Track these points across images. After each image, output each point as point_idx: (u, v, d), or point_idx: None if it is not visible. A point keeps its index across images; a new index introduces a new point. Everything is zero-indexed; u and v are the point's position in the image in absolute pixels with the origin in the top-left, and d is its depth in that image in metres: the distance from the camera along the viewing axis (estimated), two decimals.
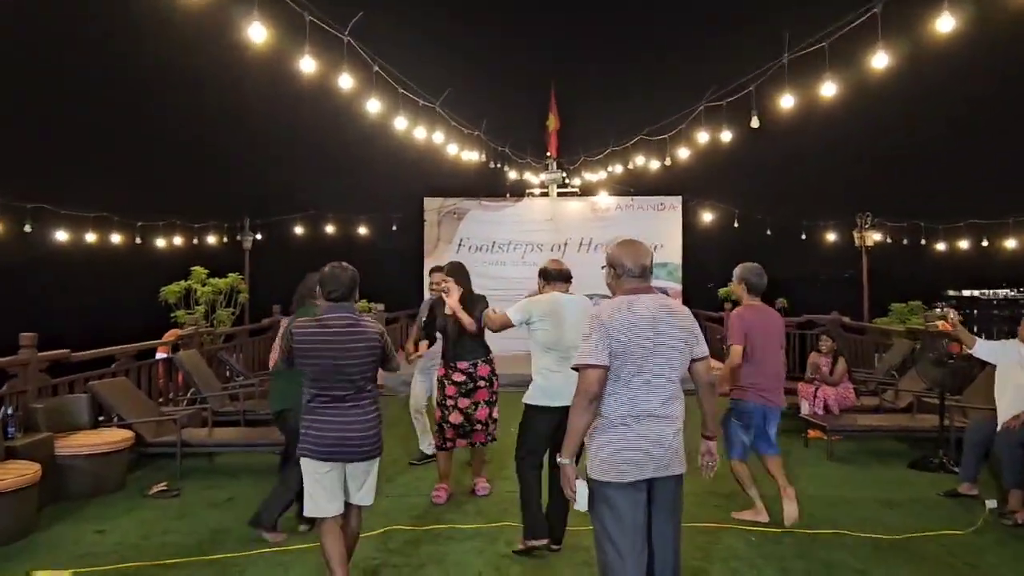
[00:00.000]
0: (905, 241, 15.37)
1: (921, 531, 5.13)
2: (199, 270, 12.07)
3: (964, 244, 15.34)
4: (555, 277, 4.96)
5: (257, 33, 7.31)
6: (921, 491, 6.12)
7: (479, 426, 5.81)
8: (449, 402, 5.79)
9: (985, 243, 15.71)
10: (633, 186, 15.03)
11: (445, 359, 5.89)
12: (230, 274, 12.55)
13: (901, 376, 9.04)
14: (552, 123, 15.73)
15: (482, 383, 5.80)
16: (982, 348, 5.97)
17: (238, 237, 15.17)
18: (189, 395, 8.74)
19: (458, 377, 5.77)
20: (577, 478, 3.11)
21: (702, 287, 15.49)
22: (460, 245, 14.82)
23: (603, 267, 3.37)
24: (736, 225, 16.19)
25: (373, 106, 9.00)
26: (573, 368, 3.12)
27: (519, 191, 15.51)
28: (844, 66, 8.02)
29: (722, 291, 14.02)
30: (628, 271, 3.23)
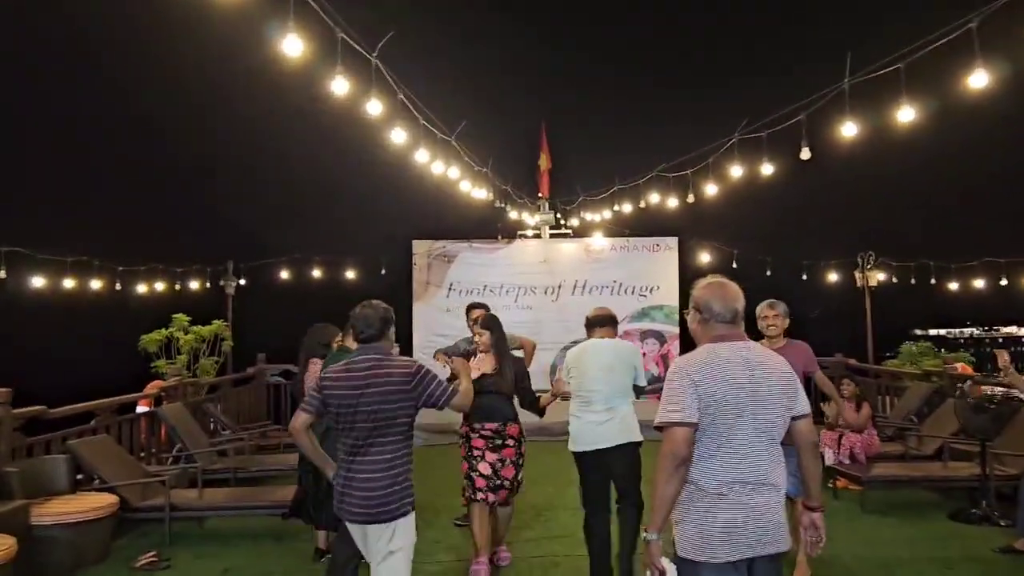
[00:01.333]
0: (913, 280, 15.25)
1: None
2: (181, 317, 11.62)
3: (953, 285, 15.38)
4: (594, 323, 5.32)
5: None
6: (974, 548, 5.76)
7: (506, 483, 5.36)
8: (476, 453, 5.36)
9: (955, 285, 15.79)
10: (629, 227, 14.78)
11: (469, 419, 5.41)
12: (214, 321, 12.09)
13: (922, 420, 8.73)
14: (544, 162, 15.49)
15: (511, 442, 5.37)
16: None
17: (221, 282, 14.68)
18: (175, 452, 8.22)
19: (485, 433, 5.33)
20: (664, 556, 2.71)
21: None
22: (451, 289, 14.47)
23: (686, 311, 3.05)
24: (735, 266, 15.98)
25: (398, 136, 8.67)
26: (656, 427, 2.77)
27: (511, 233, 15.21)
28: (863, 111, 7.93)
29: None
30: (717, 315, 2.89)
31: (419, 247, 14.73)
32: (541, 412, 5.52)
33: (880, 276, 14.04)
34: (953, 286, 15.65)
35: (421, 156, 9.83)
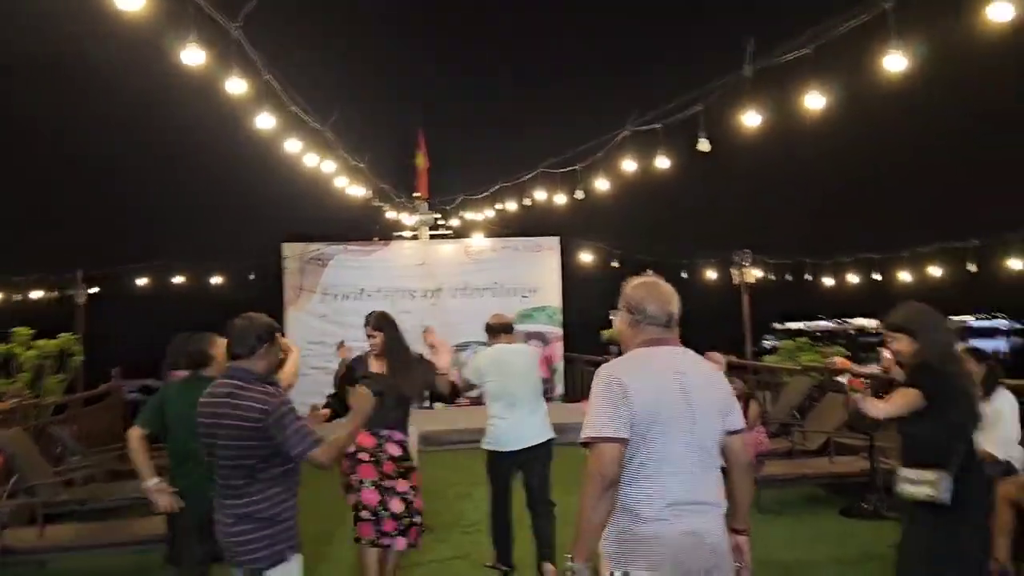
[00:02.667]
0: (789, 277, 15.74)
1: None
2: (22, 331, 10.57)
3: (829, 280, 16.00)
4: (498, 330, 5.57)
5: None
6: (870, 545, 5.82)
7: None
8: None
9: (830, 281, 16.51)
10: (512, 227, 14.63)
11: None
12: (61, 334, 11.08)
13: (804, 416, 8.89)
14: (421, 161, 15.12)
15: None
16: None
17: (69, 291, 13.54)
18: (11, 485, 7.34)
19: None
20: None
21: (583, 331, 15.17)
22: (325, 294, 13.90)
23: (613, 312, 2.85)
24: (616, 265, 16.08)
25: (265, 122, 7.93)
26: (581, 444, 2.48)
27: (388, 234, 14.76)
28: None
29: (605, 333, 13.71)
30: (651, 317, 2.64)
31: (290, 250, 14.12)
32: (453, 394, 5.48)
33: (757, 273, 14.42)
34: (828, 281, 16.25)
35: (292, 146, 9.21)
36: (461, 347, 14.00)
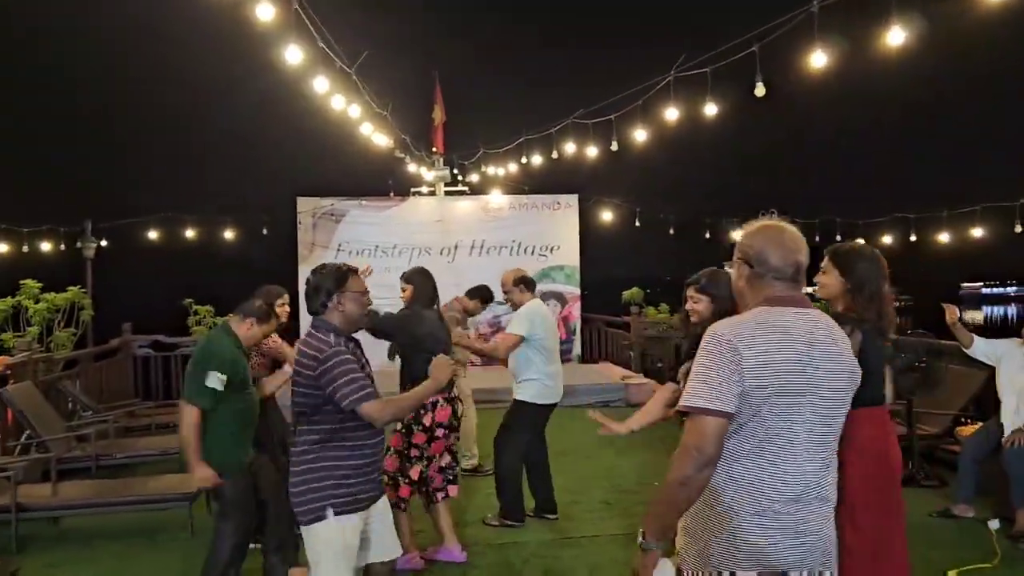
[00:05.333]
0: (817, 238, 15.50)
1: (940, 565, 4.62)
2: (31, 283, 10.49)
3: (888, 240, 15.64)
4: (535, 285, 5.97)
5: None
6: (910, 513, 5.65)
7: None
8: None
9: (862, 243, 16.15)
10: (532, 183, 14.41)
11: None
12: (70, 288, 11.01)
13: None
14: (438, 115, 14.88)
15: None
16: (980, 347, 5.64)
17: (78, 244, 13.46)
18: (23, 440, 7.34)
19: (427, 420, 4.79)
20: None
21: (601, 291, 15.05)
22: (339, 250, 13.80)
23: (728, 263, 2.50)
24: (637, 224, 15.87)
25: (293, 56, 7.46)
26: (679, 412, 2.21)
27: (404, 190, 14.59)
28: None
29: (626, 294, 13.57)
30: (775, 270, 2.25)
31: (304, 205, 13.99)
32: None
33: None
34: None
35: (320, 85, 8.69)
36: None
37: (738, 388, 2.09)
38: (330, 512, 3.06)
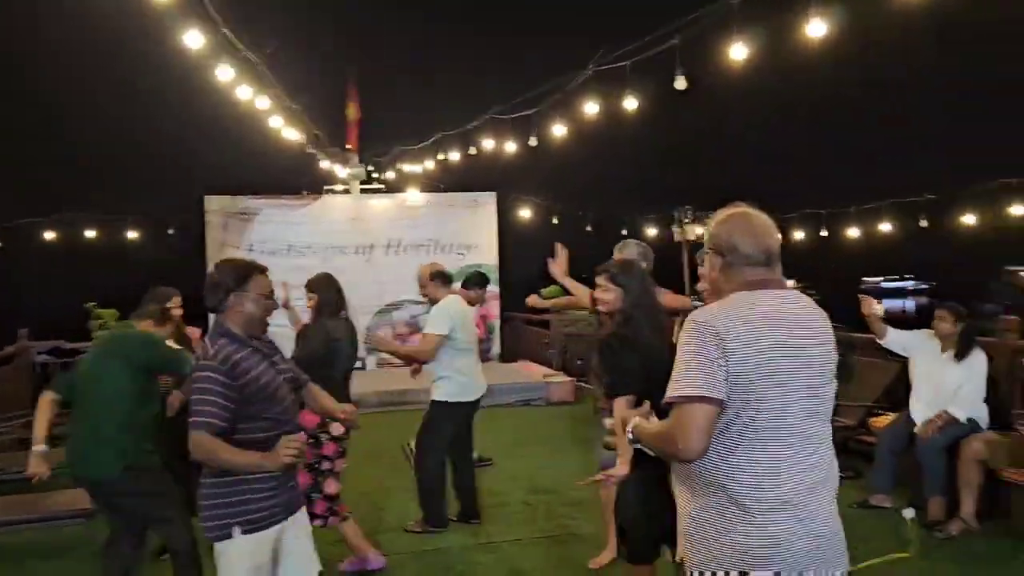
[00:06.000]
0: None
1: (860, 555, 4.73)
2: None
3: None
4: (450, 280, 5.72)
5: None
6: None
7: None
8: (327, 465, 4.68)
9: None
10: (447, 181, 14.31)
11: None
12: None
13: None
14: (352, 112, 14.66)
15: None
16: (894, 338, 5.79)
17: None
18: None
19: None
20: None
21: (520, 289, 15.06)
22: (251, 250, 13.45)
23: (700, 255, 2.42)
24: (555, 221, 15.96)
25: (194, 40, 7.15)
26: (665, 404, 2.14)
27: (317, 188, 14.32)
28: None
29: (544, 292, 13.59)
30: (747, 257, 2.21)
31: (213, 203, 13.61)
32: None
33: (699, 231, 14.41)
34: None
35: (224, 74, 8.29)
36: (393, 306, 13.80)
37: (723, 372, 2.03)
38: (236, 530, 2.91)
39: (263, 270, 3.11)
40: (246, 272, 3.03)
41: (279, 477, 3.00)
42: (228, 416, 2.84)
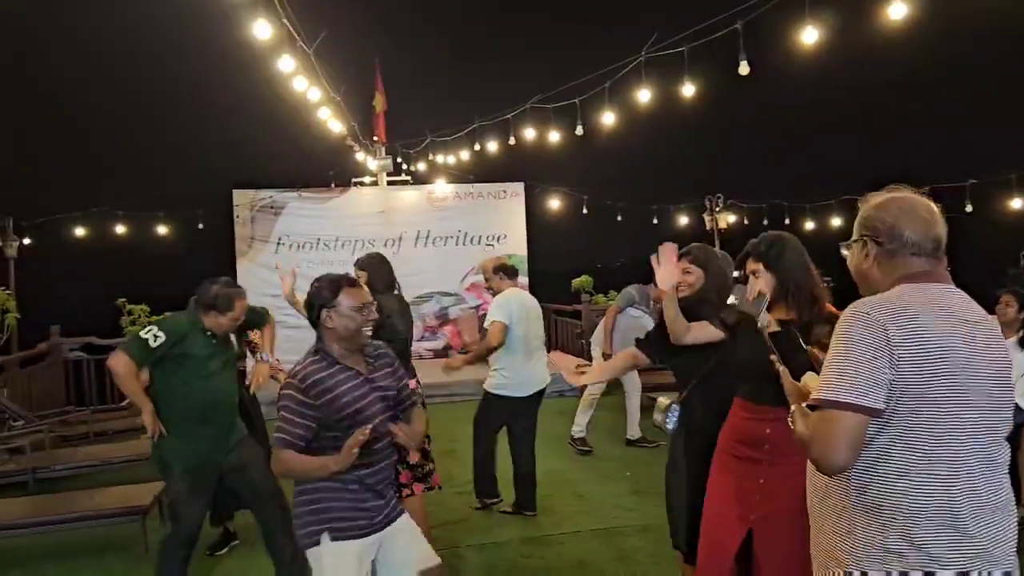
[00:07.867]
0: (765, 221, 15.64)
1: None
2: None
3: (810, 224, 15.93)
4: (516, 273, 5.94)
5: None
6: None
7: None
8: None
9: (811, 225, 16.43)
10: (478, 172, 14.27)
11: None
12: None
13: None
14: (379, 104, 14.64)
15: None
16: None
17: None
18: None
19: None
20: None
21: (550, 279, 15.04)
22: (279, 243, 13.52)
23: (846, 245, 2.14)
24: (585, 211, 15.88)
25: (263, 31, 7.18)
26: (810, 407, 1.91)
27: (345, 181, 14.35)
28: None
29: (576, 281, 13.59)
30: (912, 245, 1.97)
31: (240, 197, 13.65)
32: None
33: (731, 218, 14.32)
34: (809, 226, 16.16)
35: (286, 65, 8.30)
36: (423, 299, 13.80)
37: (887, 376, 1.79)
38: (325, 537, 2.94)
39: (353, 283, 3.11)
40: (336, 287, 3.05)
41: (368, 487, 3.02)
42: (303, 433, 2.91)
